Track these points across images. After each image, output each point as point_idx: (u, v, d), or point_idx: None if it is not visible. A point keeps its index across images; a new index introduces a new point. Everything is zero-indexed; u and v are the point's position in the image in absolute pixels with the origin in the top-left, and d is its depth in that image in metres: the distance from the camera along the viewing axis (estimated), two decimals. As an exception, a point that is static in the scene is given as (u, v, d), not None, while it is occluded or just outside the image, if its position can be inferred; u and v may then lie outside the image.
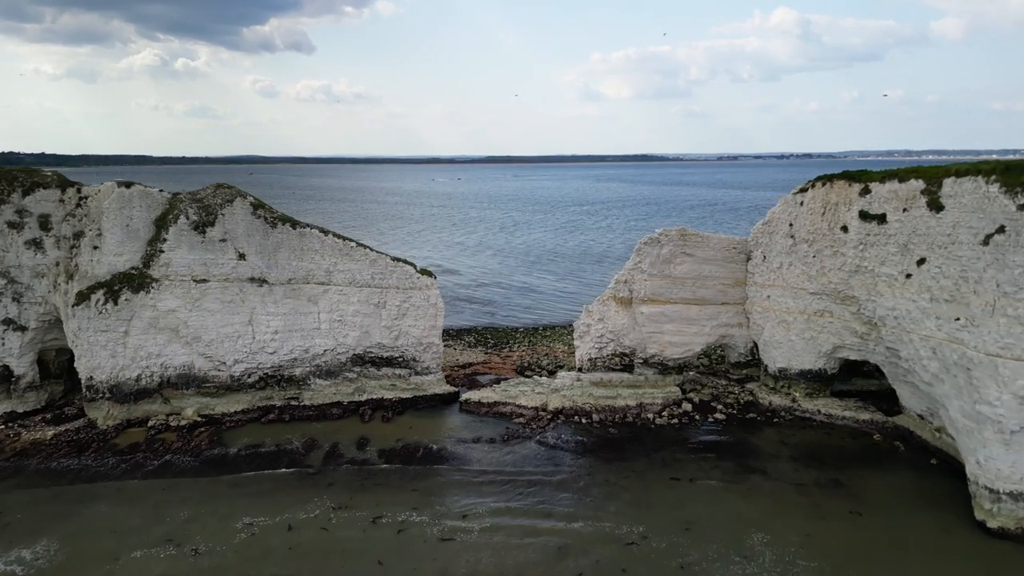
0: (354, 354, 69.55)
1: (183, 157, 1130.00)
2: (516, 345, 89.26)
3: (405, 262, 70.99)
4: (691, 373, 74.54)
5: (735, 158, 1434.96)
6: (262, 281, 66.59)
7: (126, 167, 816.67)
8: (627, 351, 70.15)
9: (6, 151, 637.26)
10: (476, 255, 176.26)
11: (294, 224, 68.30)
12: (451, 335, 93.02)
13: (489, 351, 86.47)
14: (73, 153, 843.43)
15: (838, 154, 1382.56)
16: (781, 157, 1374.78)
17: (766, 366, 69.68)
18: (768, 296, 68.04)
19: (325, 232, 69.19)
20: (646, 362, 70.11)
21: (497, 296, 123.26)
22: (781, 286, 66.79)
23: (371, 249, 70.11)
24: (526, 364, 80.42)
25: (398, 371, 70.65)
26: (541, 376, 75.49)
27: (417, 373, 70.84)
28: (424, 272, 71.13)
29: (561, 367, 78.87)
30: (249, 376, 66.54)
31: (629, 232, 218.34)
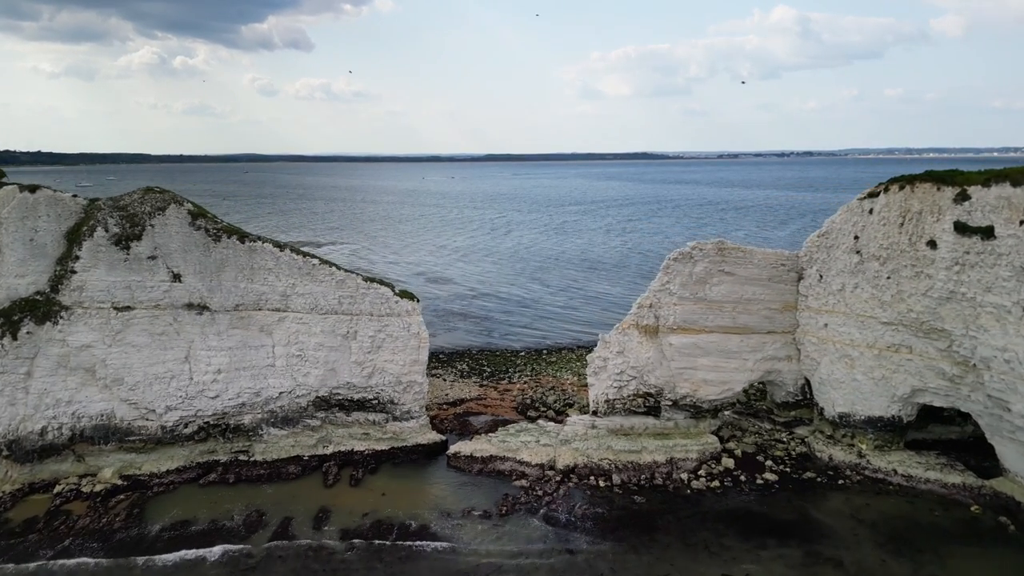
0: (317, 396, 56.76)
1: (182, 155, 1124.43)
2: (516, 374, 76.45)
3: (381, 282, 58.28)
4: (727, 414, 61.85)
5: (735, 156, 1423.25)
6: (202, 308, 53.92)
7: (124, 165, 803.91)
8: (652, 391, 57.54)
9: (2, 150, 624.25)
10: (470, 260, 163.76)
11: (242, 237, 55.49)
12: (440, 360, 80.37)
13: (485, 383, 73.61)
14: (71, 152, 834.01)
15: (839, 152, 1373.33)
16: (782, 155, 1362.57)
17: (822, 409, 57.05)
18: (825, 324, 55.50)
19: (281, 247, 56.43)
20: (675, 404, 57.44)
21: (494, 311, 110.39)
22: (843, 312, 54.26)
23: (338, 267, 57.32)
24: (528, 401, 67.55)
25: (372, 416, 57.90)
26: (547, 418, 62.76)
27: (395, 418, 58.05)
28: (404, 295, 58.34)
29: (570, 405, 66.19)
30: (185, 426, 53.71)
31: (630, 234, 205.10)
